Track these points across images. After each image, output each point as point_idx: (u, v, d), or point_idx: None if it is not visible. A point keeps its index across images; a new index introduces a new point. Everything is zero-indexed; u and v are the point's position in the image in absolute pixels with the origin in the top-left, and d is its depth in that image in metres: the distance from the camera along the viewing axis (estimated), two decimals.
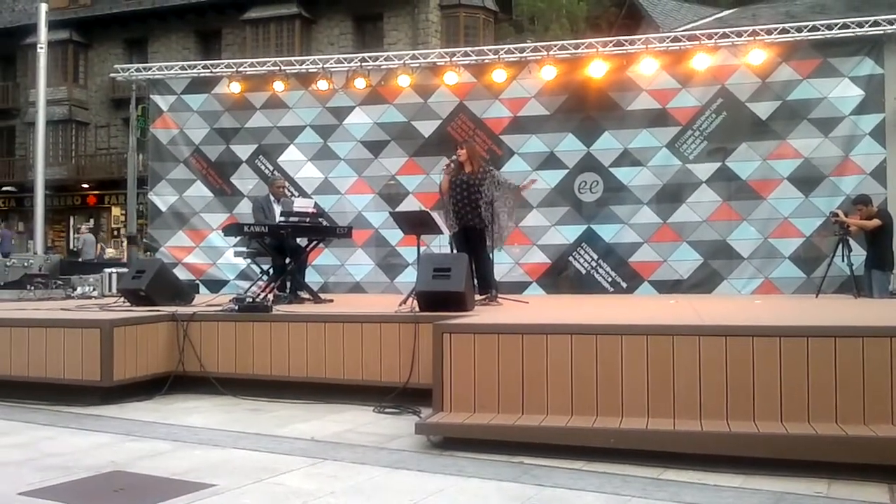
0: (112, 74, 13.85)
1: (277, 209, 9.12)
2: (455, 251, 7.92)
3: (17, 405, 6.18)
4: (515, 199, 8.07)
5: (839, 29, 10.12)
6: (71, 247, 22.93)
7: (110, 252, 21.50)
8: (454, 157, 7.97)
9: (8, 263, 12.90)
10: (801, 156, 10.13)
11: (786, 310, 6.86)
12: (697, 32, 11.17)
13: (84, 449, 4.67)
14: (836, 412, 4.18)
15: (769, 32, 10.38)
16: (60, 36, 27.33)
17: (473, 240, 7.93)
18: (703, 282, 10.30)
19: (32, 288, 11.35)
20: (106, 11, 29.31)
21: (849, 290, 9.15)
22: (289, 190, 10.77)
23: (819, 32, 10.18)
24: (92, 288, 11.41)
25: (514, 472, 4.08)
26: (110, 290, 11.51)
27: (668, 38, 10.93)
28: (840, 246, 9.12)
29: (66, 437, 5.06)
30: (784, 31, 10.37)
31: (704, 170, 10.45)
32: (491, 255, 8.06)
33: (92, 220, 23.86)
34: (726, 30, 10.85)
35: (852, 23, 10.12)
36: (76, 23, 29.16)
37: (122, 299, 8.10)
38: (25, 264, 12.73)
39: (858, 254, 9.37)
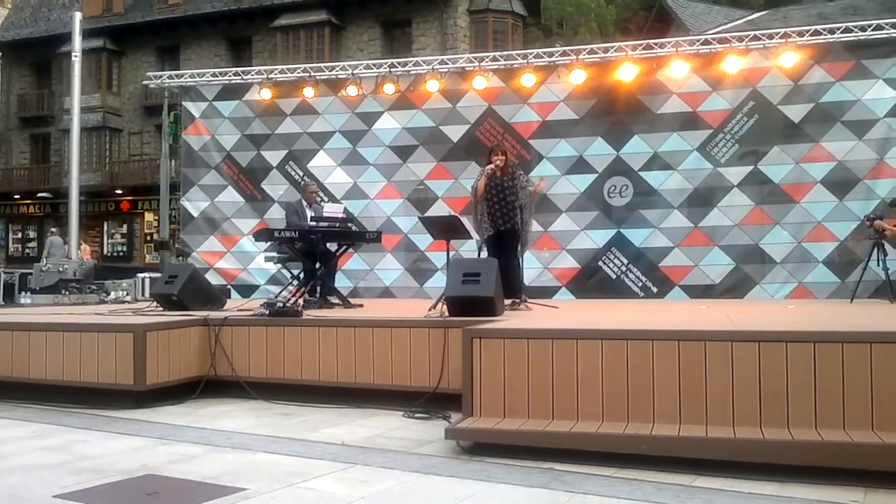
0: (145, 82, 14.00)
1: (309, 214, 9.19)
2: (488, 254, 7.93)
3: (51, 408, 6.26)
4: (530, 200, 8.10)
5: (873, 30, 9.97)
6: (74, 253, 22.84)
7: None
8: (497, 164, 7.97)
9: (43, 268, 13.15)
10: (835, 159, 9.99)
11: (820, 315, 6.76)
12: (728, 35, 11.05)
13: (117, 452, 4.72)
14: (872, 419, 4.10)
15: (801, 34, 10.25)
16: (94, 44, 27.80)
17: (506, 243, 7.96)
18: (735, 286, 10.18)
19: (67, 292, 11.55)
20: (139, 20, 29.73)
21: (884, 294, 8.98)
22: (319, 195, 10.84)
23: (852, 34, 10.04)
24: (125, 293, 11.58)
25: (545, 478, 4.05)
26: (143, 294, 11.68)
27: (698, 40, 10.85)
28: (875, 250, 8.98)
29: (100, 440, 5.12)
30: (816, 32, 10.24)
31: (736, 173, 10.34)
32: (520, 260, 8.06)
33: (55, 229, 23.99)
34: (757, 32, 10.71)
35: (886, 24, 9.95)
36: (109, 31, 29.61)
37: (154, 304, 8.21)
38: (60, 269, 12.96)
39: (894, 258, 9.19)
